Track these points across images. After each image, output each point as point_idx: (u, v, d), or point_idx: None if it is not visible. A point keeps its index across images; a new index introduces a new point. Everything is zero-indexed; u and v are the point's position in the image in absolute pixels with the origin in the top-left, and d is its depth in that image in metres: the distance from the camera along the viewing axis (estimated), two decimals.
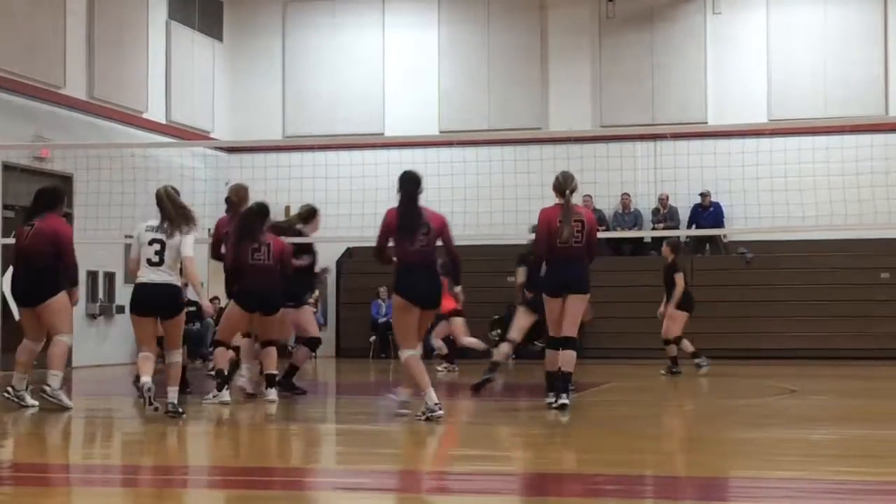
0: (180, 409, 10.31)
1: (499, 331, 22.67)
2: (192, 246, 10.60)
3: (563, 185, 11.22)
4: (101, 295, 20.57)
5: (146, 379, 10.31)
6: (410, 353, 10.29)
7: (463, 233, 20.49)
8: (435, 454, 8.57)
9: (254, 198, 13.11)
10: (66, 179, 19.63)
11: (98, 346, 20.43)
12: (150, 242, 10.56)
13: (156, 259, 10.46)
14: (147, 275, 10.48)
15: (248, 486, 7.18)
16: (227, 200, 13.05)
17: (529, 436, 9.97)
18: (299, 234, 13.86)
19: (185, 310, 18.42)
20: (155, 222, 10.74)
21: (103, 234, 17.92)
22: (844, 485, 7.03)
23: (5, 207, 18.35)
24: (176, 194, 10.97)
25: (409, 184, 10.49)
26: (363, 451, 8.82)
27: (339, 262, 24.14)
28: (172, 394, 10.37)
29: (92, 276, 20.37)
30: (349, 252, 24.24)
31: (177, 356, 10.67)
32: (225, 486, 7.21)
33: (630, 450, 8.87)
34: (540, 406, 11.49)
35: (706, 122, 23.01)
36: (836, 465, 7.79)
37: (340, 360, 22.87)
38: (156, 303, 10.53)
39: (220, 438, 9.95)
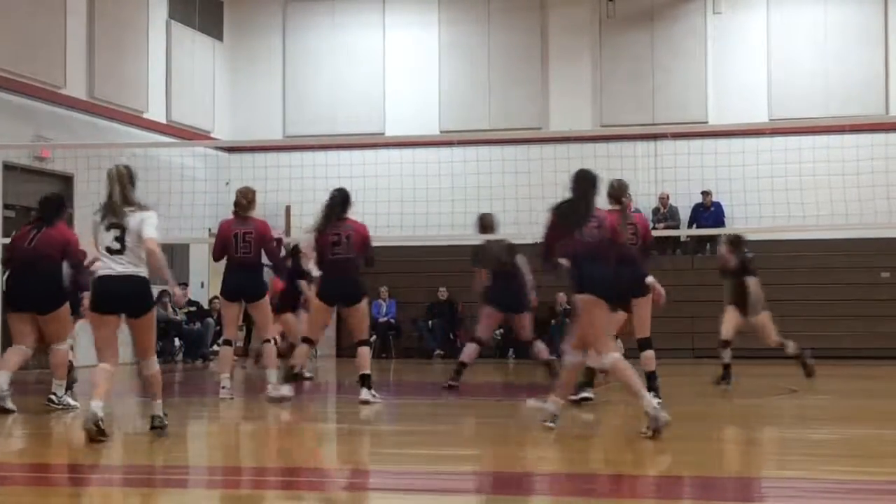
0: (166, 423, 9.21)
1: (501, 330, 22.69)
2: (155, 226, 9.10)
3: (619, 191, 11.53)
4: None
5: (96, 403, 8.84)
6: (615, 357, 9.17)
7: (463, 233, 20.54)
8: (430, 454, 8.56)
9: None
10: (67, 179, 19.63)
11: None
12: (108, 228, 9.07)
13: (116, 246, 9.03)
14: (108, 265, 9.09)
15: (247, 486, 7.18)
16: (236, 203, 12.90)
17: (530, 436, 9.96)
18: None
19: (187, 309, 18.48)
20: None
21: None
22: (845, 484, 7.03)
23: (5, 207, 18.35)
24: (128, 175, 9.28)
25: (586, 182, 9.90)
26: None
27: None
28: (157, 408, 9.27)
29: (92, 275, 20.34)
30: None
31: (153, 365, 9.39)
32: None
33: (630, 450, 8.87)
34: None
35: (706, 122, 23.00)
36: (837, 464, 7.78)
37: (341, 359, 22.86)
38: (120, 298, 9.13)
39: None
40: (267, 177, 18.83)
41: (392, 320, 23.34)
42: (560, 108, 23.87)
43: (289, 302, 16.09)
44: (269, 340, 12.75)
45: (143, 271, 9.11)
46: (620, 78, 23.78)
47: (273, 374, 12.49)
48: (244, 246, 12.50)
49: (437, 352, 22.79)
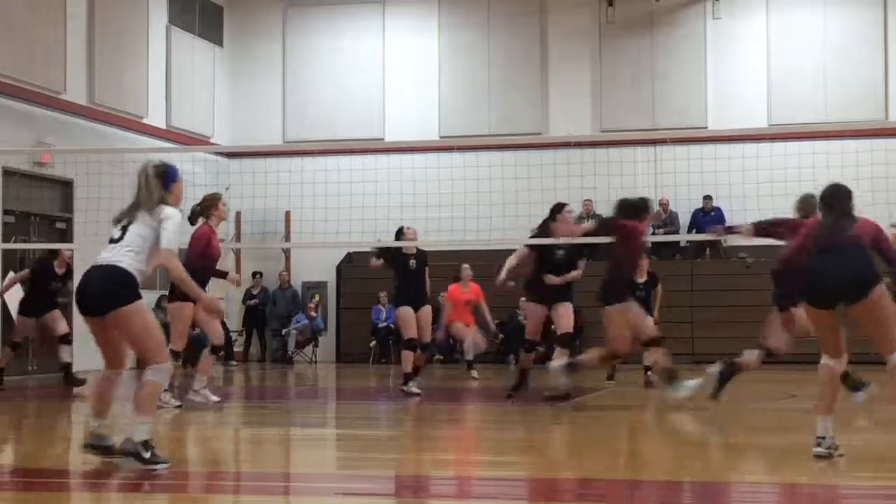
0: (133, 450, 7.56)
1: (501, 335, 22.70)
2: (174, 231, 7.90)
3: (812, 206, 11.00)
4: None
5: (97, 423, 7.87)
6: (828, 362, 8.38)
7: (463, 238, 20.56)
8: (432, 459, 8.57)
9: (252, 202, 13.14)
10: (67, 185, 19.66)
11: (98, 350, 20.36)
12: (116, 222, 8.21)
13: (117, 235, 8.04)
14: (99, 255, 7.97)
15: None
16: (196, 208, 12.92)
17: (530, 441, 9.96)
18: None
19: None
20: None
21: (104, 240, 17.87)
22: (845, 490, 7.03)
23: (6, 212, 18.36)
24: (155, 174, 8.07)
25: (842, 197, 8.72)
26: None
27: (339, 268, 24.15)
28: (136, 430, 7.63)
29: None
30: (349, 257, 24.25)
31: (149, 374, 7.76)
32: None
33: (630, 454, 8.87)
34: (539, 410, 11.46)
35: (706, 127, 23.01)
36: (838, 469, 7.78)
37: (340, 364, 22.87)
38: (81, 291, 7.85)
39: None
40: (267, 182, 18.85)
41: (392, 326, 23.32)
42: (560, 114, 23.89)
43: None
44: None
45: (122, 261, 7.75)
46: (620, 83, 23.81)
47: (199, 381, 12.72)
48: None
49: (437, 357, 22.77)
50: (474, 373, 17.96)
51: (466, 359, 18.44)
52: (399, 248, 14.53)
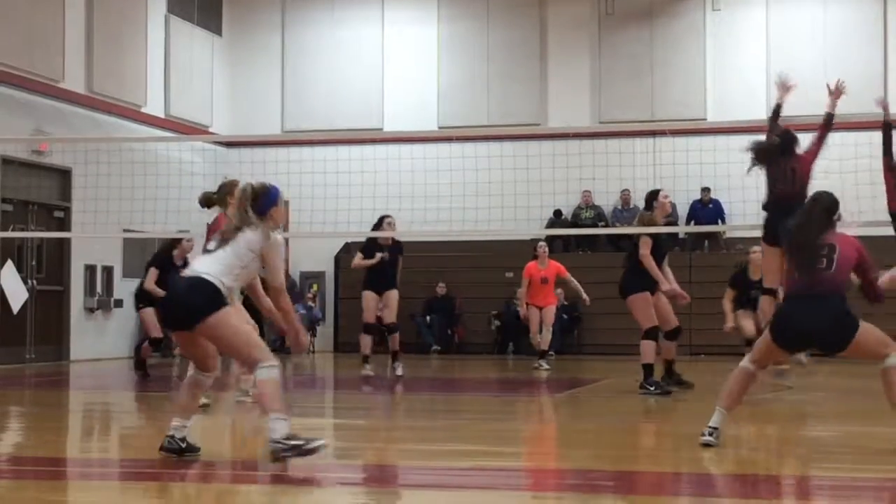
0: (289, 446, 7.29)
1: (498, 323, 22.72)
2: (281, 266, 7.75)
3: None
4: (99, 289, 20.56)
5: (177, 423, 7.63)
6: None
7: (462, 228, 20.56)
8: (431, 450, 8.57)
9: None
10: (65, 173, 19.65)
11: (95, 340, 20.42)
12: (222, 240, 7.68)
13: (211, 247, 7.68)
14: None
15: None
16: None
17: (527, 431, 9.97)
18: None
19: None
20: None
21: (102, 229, 17.91)
22: (841, 482, 7.03)
23: (4, 201, 18.34)
24: (252, 194, 7.80)
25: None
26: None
27: (338, 258, 24.14)
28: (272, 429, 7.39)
29: (90, 269, 20.38)
30: (348, 247, 24.23)
31: (256, 374, 7.51)
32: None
33: (627, 446, 8.88)
34: (537, 400, 11.46)
35: (705, 119, 22.98)
36: (833, 462, 7.79)
37: (338, 354, 22.88)
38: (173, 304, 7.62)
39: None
40: (265, 172, 18.79)
41: None
42: (559, 105, 23.87)
43: None
44: None
45: (209, 273, 7.43)
46: (619, 74, 23.79)
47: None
48: None
49: (434, 347, 22.78)
50: (544, 363, 17.46)
51: (542, 348, 17.81)
52: (376, 238, 15.31)
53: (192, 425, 7.68)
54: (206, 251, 7.69)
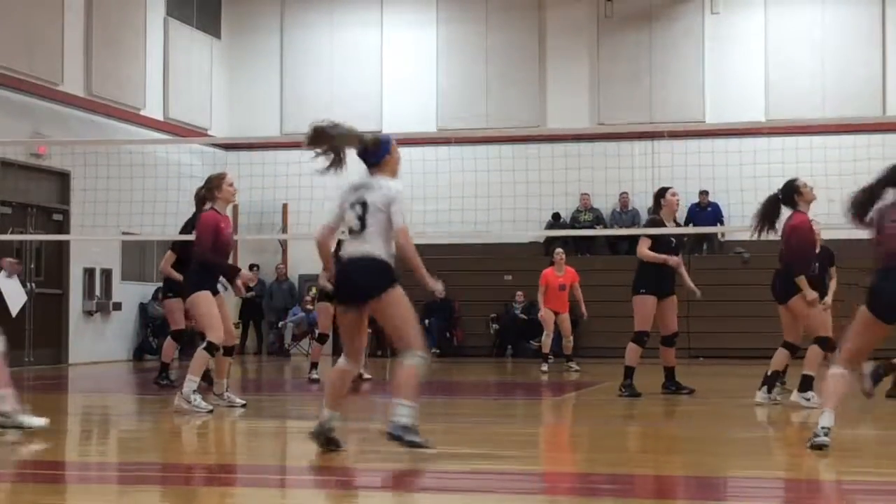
0: (404, 436, 7.61)
1: (497, 326, 22.72)
2: (403, 209, 8.25)
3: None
4: (97, 292, 20.56)
5: (327, 413, 7.84)
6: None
7: (461, 231, 20.56)
8: (437, 455, 8.56)
9: (249, 194, 13.01)
10: (64, 176, 19.65)
11: (94, 342, 20.42)
12: (353, 205, 8.16)
13: (356, 225, 8.09)
14: (345, 248, 8.15)
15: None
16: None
17: (525, 434, 9.97)
18: None
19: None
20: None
21: (101, 231, 17.91)
22: (843, 485, 7.03)
23: (2, 204, 18.34)
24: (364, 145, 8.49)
25: None
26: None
27: (336, 259, 24.11)
28: (400, 412, 7.62)
29: (89, 272, 20.38)
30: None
31: (409, 359, 7.74)
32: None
33: (626, 449, 8.87)
34: (536, 403, 11.46)
35: (704, 122, 22.99)
36: (835, 464, 7.78)
37: (337, 357, 22.83)
38: (347, 281, 7.95)
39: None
40: (264, 174, 18.83)
41: None
42: (558, 107, 23.88)
43: None
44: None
45: (373, 251, 7.92)
46: (618, 77, 23.80)
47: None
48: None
49: (433, 350, 22.77)
50: (573, 365, 17.42)
51: (564, 352, 17.72)
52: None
53: (340, 416, 7.90)
54: (351, 232, 8.02)
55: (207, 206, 11.04)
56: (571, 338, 17.78)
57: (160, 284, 20.11)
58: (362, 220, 7.99)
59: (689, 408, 11.83)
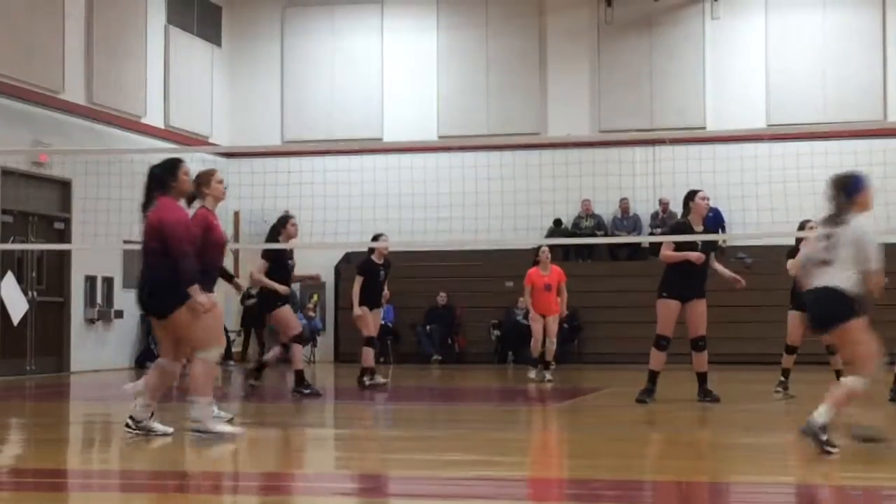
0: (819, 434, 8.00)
1: (498, 333, 22.72)
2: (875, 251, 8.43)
3: None
4: (99, 300, 20.55)
5: None
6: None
7: (462, 238, 20.56)
8: (432, 459, 8.56)
9: (250, 203, 13.00)
10: (65, 185, 19.65)
11: (96, 351, 20.41)
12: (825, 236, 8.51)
13: (826, 256, 8.42)
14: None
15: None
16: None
17: (527, 440, 9.96)
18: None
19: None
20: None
21: (102, 240, 17.92)
22: (845, 491, 7.02)
23: (4, 212, 18.33)
24: (840, 182, 8.82)
25: None
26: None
27: (338, 268, 24.14)
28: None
29: (90, 281, 20.37)
30: (348, 257, 24.23)
31: None
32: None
33: (629, 455, 8.86)
34: (537, 410, 11.44)
35: (705, 128, 23.02)
36: (837, 470, 7.77)
37: (339, 365, 22.86)
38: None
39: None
40: (265, 182, 18.84)
41: (389, 325, 23.33)
42: (558, 114, 23.89)
43: None
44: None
45: (839, 284, 8.28)
46: (619, 83, 23.81)
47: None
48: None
49: (435, 357, 22.77)
50: (547, 374, 16.46)
51: (546, 359, 16.74)
52: (371, 255, 15.34)
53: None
54: (823, 263, 8.32)
55: (197, 203, 10.49)
56: (555, 341, 16.68)
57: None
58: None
59: (690, 413, 11.81)
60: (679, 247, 12.63)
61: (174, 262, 9.10)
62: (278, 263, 13.74)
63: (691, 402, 12.66)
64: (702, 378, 12.67)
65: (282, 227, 13.94)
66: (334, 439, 10.37)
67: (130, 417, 9.32)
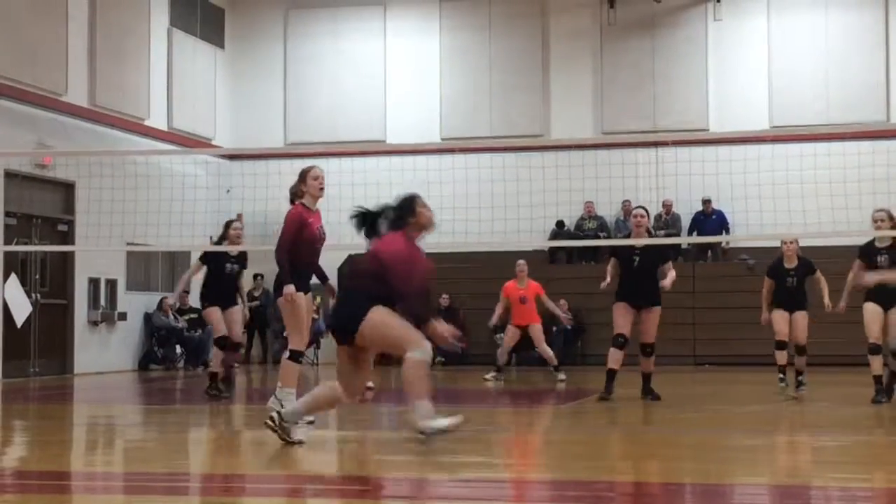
0: None
1: (501, 335, 22.70)
2: None
3: None
4: (102, 302, 20.58)
5: None
6: None
7: (465, 240, 20.56)
8: (434, 461, 8.56)
9: (253, 204, 13.01)
10: (68, 187, 19.68)
11: (99, 353, 20.43)
12: None
13: None
14: None
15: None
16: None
17: (531, 442, 9.96)
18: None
19: (189, 316, 17.06)
20: None
21: (105, 242, 17.94)
22: (848, 492, 7.02)
23: (7, 215, 18.36)
24: None
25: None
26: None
27: (341, 270, 24.13)
28: None
29: (94, 283, 20.39)
30: (351, 259, 24.23)
31: None
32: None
33: (631, 456, 8.86)
34: (539, 412, 11.44)
35: (707, 129, 23.02)
36: (840, 471, 7.77)
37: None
38: None
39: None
40: (268, 184, 18.84)
41: None
42: (561, 116, 23.90)
43: None
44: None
45: None
46: (621, 85, 23.81)
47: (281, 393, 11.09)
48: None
49: (439, 358, 22.75)
50: (495, 376, 17.40)
51: (549, 363, 17.28)
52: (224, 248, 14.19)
53: None
54: None
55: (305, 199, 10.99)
56: (548, 347, 17.39)
57: (164, 295, 20.10)
58: None
59: (692, 415, 11.81)
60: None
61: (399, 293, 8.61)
62: (213, 267, 13.94)
63: (692, 405, 12.66)
64: (646, 378, 13.25)
65: (224, 232, 14.17)
66: (336, 441, 10.36)
67: (277, 413, 8.74)
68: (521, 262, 17.46)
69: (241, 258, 14.22)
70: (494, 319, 17.82)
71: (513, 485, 7.43)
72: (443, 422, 8.48)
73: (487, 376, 17.54)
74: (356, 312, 8.44)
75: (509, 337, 17.48)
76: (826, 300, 14.06)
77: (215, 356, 14.15)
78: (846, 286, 13.07)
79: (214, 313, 13.95)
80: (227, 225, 14.22)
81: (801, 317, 14.16)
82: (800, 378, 14.18)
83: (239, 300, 14.27)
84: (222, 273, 14.04)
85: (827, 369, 18.39)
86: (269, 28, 25.34)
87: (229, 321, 14.03)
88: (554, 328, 22.04)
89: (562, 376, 16.82)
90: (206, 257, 14.18)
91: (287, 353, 10.68)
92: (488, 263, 22.93)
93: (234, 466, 8.61)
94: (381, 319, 8.39)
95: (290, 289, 10.40)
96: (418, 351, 8.44)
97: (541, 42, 24.27)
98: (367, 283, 8.65)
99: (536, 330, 17.25)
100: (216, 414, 12.46)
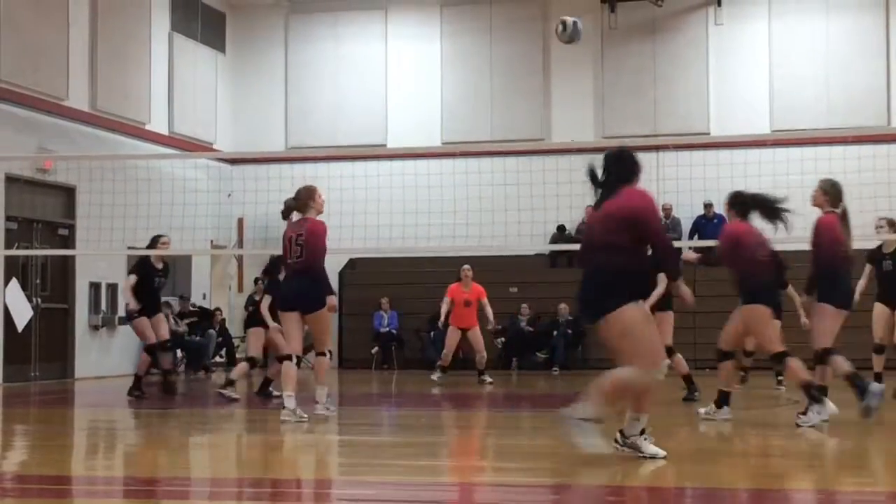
0: None
1: (503, 339, 22.70)
2: None
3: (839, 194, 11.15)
4: (103, 306, 20.58)
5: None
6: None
7: (466, 244, 20.56)
8: (442, 467, 8.57)
9: (254, 208, 13.04)
10: (69, 191, 19.69)
11: (100, 357, 20.43)
12: None
13: None
14: None
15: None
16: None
17: (533, 446, 9.95)
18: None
19: (189, 320, 17.42)
20: None
21: (106, 246, 17.94)
22: (850, 495, 7.01)
23: (8, 219, 18.37)
24: None
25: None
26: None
27: (342, 274, 24.14)
28: None
29: (95, 287, 20.39)
30: (352, 263, 24.25)
31: None
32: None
33: (632, 460, 8.85)
34: (541, 415, 11.43)
35: (709, 133, 23.03)
36: (843, 475, 7.77)
37: (343, 370, 22.86)
38: None
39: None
40: (269, 188, 18.83)
41: (394, 331, 23.34)
42: (562, 120, 23.90)
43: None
44: (323, 353, 11.76)
45: None
46: (622, 89, 23.82)
47: (322, 392, 11.62)
48: (296, 250, 11.62)
49: (439, 363, 22.73)
50: (439, 376, 18.14)
51: (477, 366, 18.34)
52: (149, 259, 15.05)
53: None
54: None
55: (295, 215, 11.85)
56: (485, 353, 18.22)
57: (166, 299, 20.09)
58: None
59: (693, 418, 11.80)
60: None
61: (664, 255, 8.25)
62: (143, 279, 14.81)
63: (694, 408, 12.65)
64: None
65: (152, 244, 15.07)
66: (338, 445, 10.36)
67: (620, 432, 8.25)
68: (467, 266, 18.21)
69: (166, 271, 15.32)
70: (442, 319, 18.19)
71: (517, 489, 7.43)
72: (652, 449, 8.08)
73: (434, 376, 18.10)
74: (606, 304, 8.01)
75: (451, 339, 18.00)
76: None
77: (143, 362, 15.44)
78: (857, 289, 13.12)
79: (144, 322, 14.91)
80: (156, 239, 15.14)
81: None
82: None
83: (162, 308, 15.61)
84: (151, 285, 14.97)
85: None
86: (269, 32, 25.35)
87: (155, 326, 15.03)
88: (554, 332, 22.05)
89: (489, 380, 17.73)
90: (138, 270, 15.02)
91: (327, 355, 11.54)
92: (489, 267, 22.93)
93: (235, 470, 8.61)
94: (632, 323, 7.90)
95: (333, 299, 11.41)
96: (647, 373, 7.90)
97: (541, 46, 24.27)
98: (614, 258, 8.14)
99: (476, 333, 17.97)
100: (218, 418, 12.45)
